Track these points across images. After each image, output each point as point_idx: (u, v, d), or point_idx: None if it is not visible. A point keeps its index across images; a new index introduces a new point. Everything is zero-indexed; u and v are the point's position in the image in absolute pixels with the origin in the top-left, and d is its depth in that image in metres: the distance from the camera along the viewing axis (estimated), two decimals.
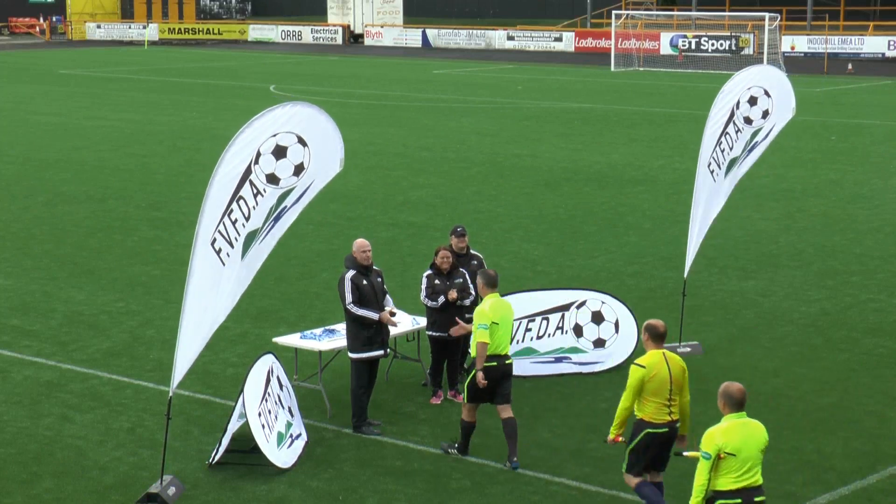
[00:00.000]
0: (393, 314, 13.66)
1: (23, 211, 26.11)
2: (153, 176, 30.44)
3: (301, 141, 12.56)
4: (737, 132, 16.59)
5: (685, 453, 10.91)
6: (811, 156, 33.15)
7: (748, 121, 16.65)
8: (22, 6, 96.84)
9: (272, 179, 12.41)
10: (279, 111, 12.54)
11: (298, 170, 12.56)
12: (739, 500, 9.73)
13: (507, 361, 12.93)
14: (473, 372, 12.83)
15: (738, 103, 16.56)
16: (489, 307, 12.87)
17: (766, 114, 16.74)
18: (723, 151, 16.52)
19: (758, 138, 16.85)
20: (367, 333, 13.50)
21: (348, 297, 13.39)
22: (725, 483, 9.74)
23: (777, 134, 17.06)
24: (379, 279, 13.74)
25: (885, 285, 19.94)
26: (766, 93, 16.74)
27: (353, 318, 13.46)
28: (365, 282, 13.49)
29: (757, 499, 9.79)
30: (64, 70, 62.56)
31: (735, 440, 9.70)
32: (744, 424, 9.80)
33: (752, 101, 16.64)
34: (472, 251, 15.12)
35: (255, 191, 12.29)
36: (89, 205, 26.76)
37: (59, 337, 17.25)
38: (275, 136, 12.41)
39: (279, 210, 12.55)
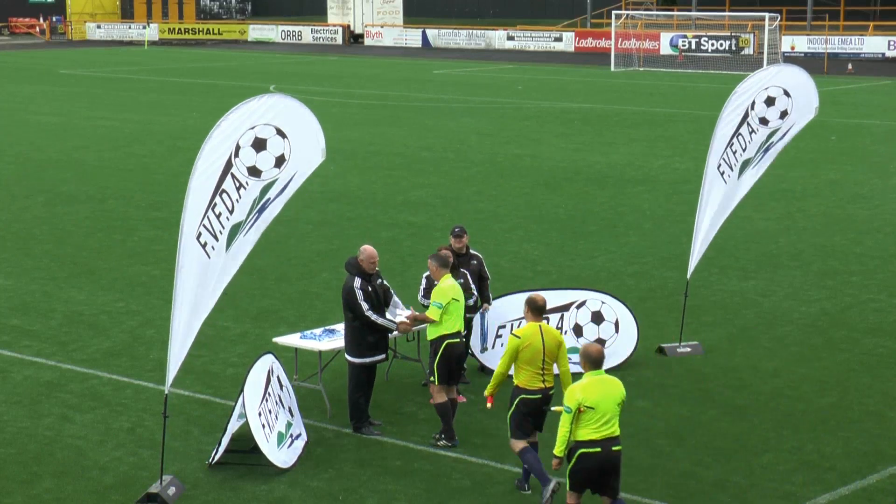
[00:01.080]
0: (406, 326, 13.81)
1: (23, 211, 26.11)
2: (153, 176, 30.44)
3: (280, 133, 12.60)
4: (751, 133, 16.38)
5: (552, 408, 11.72)
6: (811, 156, 33.14)
7: (764, 121, 16.44)
8: (22, 6, 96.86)
9: (254, 172, 12.45)
10: (254, 103, 12.55)
11: (280, 161, 12.61)
12: (599, 449, 10.68)
13: (461, 339, 13.44)
14: (440, 353, 13.08)
15: (752, 104, 16.31)
16: (448, 286, 13.21)
17: (784, 114, 16.50)
18: (735, 153, 16.35)
19: (774, 139, 16.61)
20: (373, 339, 13.49)
21: (364, 306, 13.32)
22: (586, 434, 10.68)
23: (795, 135, 16.89)
24: (379, 280, 13.75)
25: (885, 285, 19.94)
26: (786, 93, 16.49)
27: (369, 325, 13.39)
28: (370, 288, 13.49)
29: (614, 448, 10.74)
30: (64, 70, 62.56)
31: (594, 395, 10.69)
32: (601, 381, 10.79)
33: (770, 101, 16.39)
34: (472, 251, 15.12)
35: (237, 184, 12.33)
36: (89, 205, 26.76)
37: (59, 337, 17.25)
38: (253, 128, 12.44)
39: (263, 202, 12.60)
